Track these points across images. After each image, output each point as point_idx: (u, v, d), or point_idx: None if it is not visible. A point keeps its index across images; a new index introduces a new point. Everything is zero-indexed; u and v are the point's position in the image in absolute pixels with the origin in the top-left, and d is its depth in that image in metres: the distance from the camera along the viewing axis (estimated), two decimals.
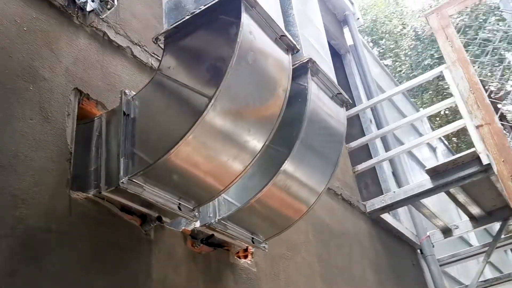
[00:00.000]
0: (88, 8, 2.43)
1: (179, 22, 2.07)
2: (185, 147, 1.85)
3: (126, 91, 2.12)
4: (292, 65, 2.39)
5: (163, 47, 2.14)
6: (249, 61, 1.95)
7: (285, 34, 2.19)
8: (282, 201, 2.36)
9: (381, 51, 16.64)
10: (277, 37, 2.19)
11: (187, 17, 2.05)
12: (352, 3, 7.73)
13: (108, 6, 2.34)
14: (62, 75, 2.15)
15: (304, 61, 2.38)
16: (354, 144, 5.25)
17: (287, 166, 2.24)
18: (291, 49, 2.24)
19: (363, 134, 6.14)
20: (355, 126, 6.42)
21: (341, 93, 2.57)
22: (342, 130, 2.53)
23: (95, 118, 2.20)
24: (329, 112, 2.49)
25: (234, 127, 1.98)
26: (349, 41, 7.43)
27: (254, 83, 2.01)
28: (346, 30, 7.58)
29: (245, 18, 1.95)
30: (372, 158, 5.77)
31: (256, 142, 2.05)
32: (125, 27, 2.68)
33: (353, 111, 5.53)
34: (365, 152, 6.16)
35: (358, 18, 7.69)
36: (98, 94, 2.29)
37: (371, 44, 16.04)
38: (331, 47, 7.44)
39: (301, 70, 2.40)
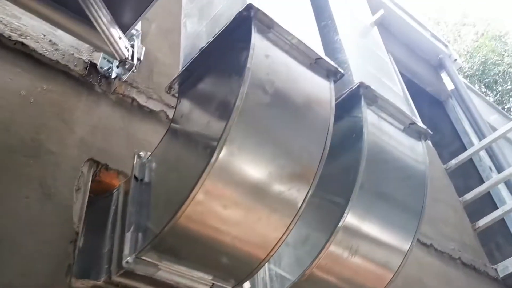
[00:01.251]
0: (113, 75, 2.24)
1: (189, 63, 1.75)
2: (195, 206, 1.43)
3: (141, 153, 1.80)
4: (341, 95, 1.94)
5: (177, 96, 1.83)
6: (268, 90, 1.53)
7: (320, 56, 1.75)
8: (352, 267, 1.78)
9: (498, 94, 14.94)
10: (311, 62, 1.76)
11: (196, 55, 1.73)
12: (445, 45, 7.05)
13: (127, 67, 2.11)
14: (74, 147, 1.90)
15: (354, 87, 1.89)
16: (470, 195, 4.39)
17: (348, 219, 1.70)
18: (332, 74, 1.78)
19: None
20: (472, 177, 5.51)
21: (414, 123, 2.01)
22: (422, 169, 1.93)
23: (114, 191, 1.89)
24: (400, 148, 1.93)
25: (262, 175, 1.52)
26: (450, 86, 6.72)
27: (281, 116, 1.57)
28: (444, 74, 6.91)
29: (257, 39, 1.56)
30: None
31: (294, 193, 1.56)
32: (160, 91, 2.44)
33: (464, 156, 4.73)
34: (490, 205, 5.17)
35: (455, 60, 6.95)
36: (120, 163, 2.00)
37: (483, 89, 14.54)
38: (429, 95, 6.75)
39: (353, 100, 1.91)
